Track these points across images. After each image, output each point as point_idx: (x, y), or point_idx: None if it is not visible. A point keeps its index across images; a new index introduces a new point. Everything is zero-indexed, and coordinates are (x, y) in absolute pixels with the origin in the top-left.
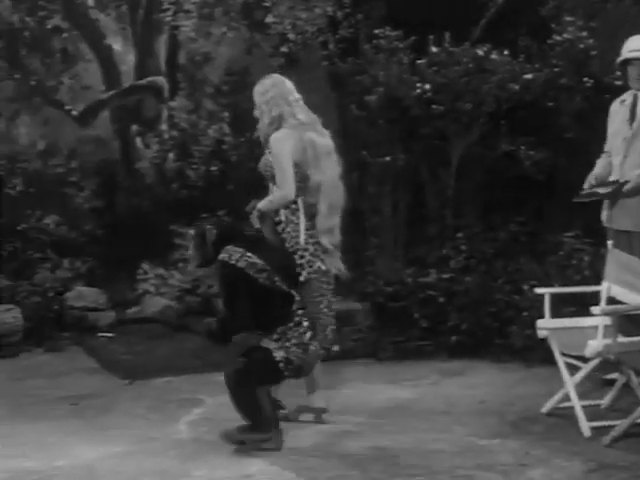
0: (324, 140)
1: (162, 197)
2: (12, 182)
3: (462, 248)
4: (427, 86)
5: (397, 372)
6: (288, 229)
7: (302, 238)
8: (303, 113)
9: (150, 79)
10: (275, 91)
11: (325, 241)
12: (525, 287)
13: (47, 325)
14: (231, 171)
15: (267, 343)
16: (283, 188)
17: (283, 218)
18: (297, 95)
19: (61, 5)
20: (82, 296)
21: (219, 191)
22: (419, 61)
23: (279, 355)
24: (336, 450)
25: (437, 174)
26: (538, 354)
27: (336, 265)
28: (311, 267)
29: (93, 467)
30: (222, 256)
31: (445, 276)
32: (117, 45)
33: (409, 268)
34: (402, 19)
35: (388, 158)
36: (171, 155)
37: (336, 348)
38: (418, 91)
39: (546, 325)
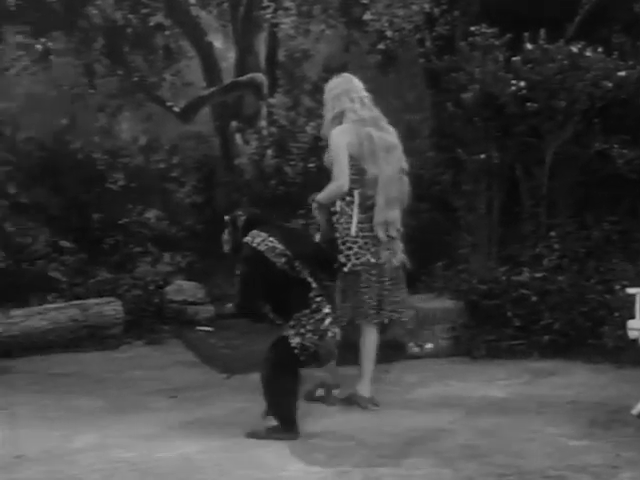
0: (384, 136)
1: (260, 193)
2: (113, 177)
3: (555, 247)
4: (522, 83)
5: (490, 371)
6: (341, 220)
7: (353, 230)
8: (365, 110)
9: (250, 76)
10: (341, 89)
11: (381, 234)
12: (617, 287)
13: (147, 318)
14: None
15: (285, 330)
16: (338, 179)
17: (338, 209)
18: (363, 93)
19: (164, 3)
20: (182, 290)
21: (316, 187)
22: (514, 58)
23: (294, 341)
24: (430, 447)
25: (531, 172)
26: (629, 355)
27: (396, 257)
28: (358, 259)
29: (192, 459)
30: (246, 238)
31: (538, 275)
32: (218, 42)
33: (503, 266)
34: (498, 16)
35: (483, 156)
36: (270, 152)
37: (429, 346)
38: (513, 88)
39: (637, 326)
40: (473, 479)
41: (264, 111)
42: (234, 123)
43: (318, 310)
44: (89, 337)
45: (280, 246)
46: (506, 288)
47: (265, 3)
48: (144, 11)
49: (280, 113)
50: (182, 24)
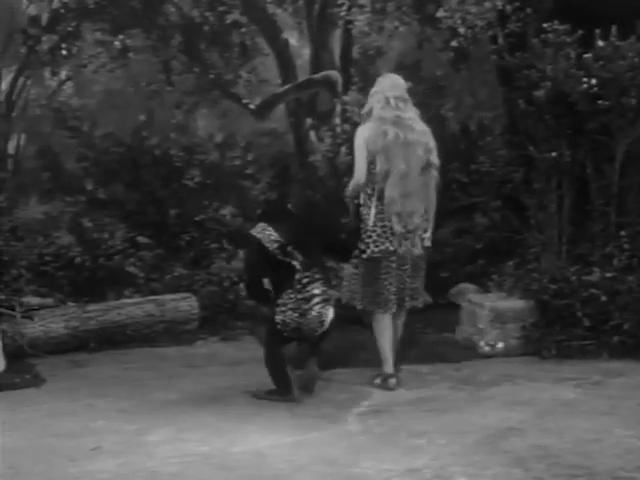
0: (402, 133)
1: (333, 190)
2: (190, 173)
3: (625, 247)
4: (593, 81)
5: (560, 371)
6: (364, 211)
7: (371, 220)
8: (388, 109)
9: (324, 73)
10: (377, 88)
11: (396, 225)
12: None
13: (222, 314)
14: None
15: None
16: (355, 174)
17: (362, 201)
18: (394, 93)
19: (240, 0)
20: None
21: None
22: (585, 55)
23: (278, 318)
24: (500, 447)
25: (601, 170)
26: None
27: (415, 247)
28: (377, 247)
29: (265, 454)
30: (251, 230)
31: (608, 275)
32: (293, 39)
33: (573, 266)
34: (569, 13)
35: (554, 154)
36: (343, 149)
37: (500, 345)
38: (584, 86)
39: None
40: (543, 479)
41: (338, 108)
42: (308, 120)
43: (302, 291)
44: (165, 332)
45: (275, 234)
46: (576, 288)
47: (340, 0)
48: (221, 9)
49: (354, 110)
50: (258, 21)
